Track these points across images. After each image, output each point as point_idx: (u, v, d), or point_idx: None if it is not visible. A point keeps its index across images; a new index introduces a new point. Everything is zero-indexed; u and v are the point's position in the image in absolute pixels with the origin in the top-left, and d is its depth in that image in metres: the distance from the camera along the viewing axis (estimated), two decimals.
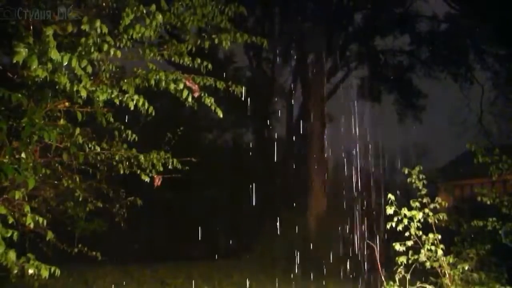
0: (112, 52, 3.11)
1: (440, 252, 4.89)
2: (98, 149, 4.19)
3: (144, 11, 3.35)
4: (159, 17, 3.38)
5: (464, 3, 15.83)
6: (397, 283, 4.94)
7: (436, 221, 4.99)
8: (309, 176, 15.20)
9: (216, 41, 3.96)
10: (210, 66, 3.99)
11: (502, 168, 5.79)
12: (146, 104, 3.45)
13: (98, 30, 2.98)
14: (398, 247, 4.89)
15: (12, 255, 2.51)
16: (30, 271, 2.59)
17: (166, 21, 3.67)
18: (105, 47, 3.05)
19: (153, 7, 3.38)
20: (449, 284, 4.97)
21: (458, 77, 16.86)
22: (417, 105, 17.78)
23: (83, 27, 2.98)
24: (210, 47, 4.08)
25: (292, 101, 18.98)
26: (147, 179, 4.39)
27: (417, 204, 4.98)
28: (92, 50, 3.02)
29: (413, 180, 5.19)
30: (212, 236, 15.77)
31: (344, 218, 13.37)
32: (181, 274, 10.51)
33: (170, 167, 4.56)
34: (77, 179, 4.61)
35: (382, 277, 5.18)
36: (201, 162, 5.63)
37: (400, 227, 4.91)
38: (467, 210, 8.27)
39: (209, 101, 3.78)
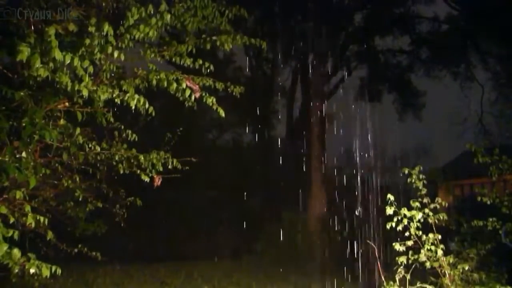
0: (116, 55, 3.12)
1: (440, 252, 4.89)
2: (98, 149, 4.19)
3: (152, 11, 3.35)
4: (168, 17, 3.38)
5: (464, 4, 15.84)
6: (397, 283, 4.94)
7: (436, 221, 4.99)
8: (309, 176, 15.21)
9: (218, 43, 3.96)
10: (212, 67, 3.99)
11: (502, 168, 5.79)
12: (147, 104, 3.45)
13: (104, 32, 2.99)
14: (398, 247, 4.89)
15: (16, 253, 2.51)
16: (32, 270, 2.59)
17: (168, 22, 3.67)
18: (109, 49, 3.06)
19: (162, 7, 3.39)
20: (449, 284, 4.97)
21: (458, 77, 16.89)
22: (416, 105, 17.80)
23: (90, 29, 2.99)
24: (210, 48, 4.08)
25: (292, 101, 18.99)
26: (147, 179, 4.39)
27: (417, 204, 4.98)
28: (96, 51, 3.03)
29: (413, 180, 5.19)
30: (212, 236, 15.77)
31: (344, 218, 13.39)
32: (181, 274, 10.51)
33: (170, 167, 4.56)
34: (77, 179, 4.61)
35: (382, 277, 5.18)
36: (201, 162, 5.63)
37: (400, 227, 4.91)
38: (467, 210, 8.28)
39: (210, 101, 3.77)
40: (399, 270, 4.91)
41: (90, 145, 4.08)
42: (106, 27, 2.98)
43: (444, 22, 16.64)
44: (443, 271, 5.01)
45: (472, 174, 12.07)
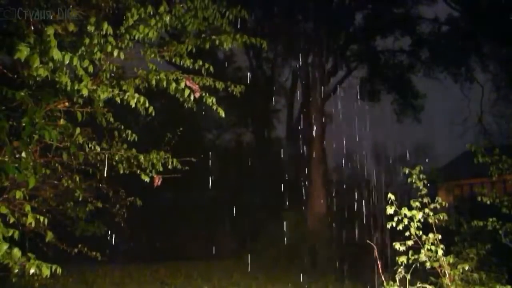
0: (115, 53, 3.12)
1: (440, 252, 4.88)
2: (98, 149, 4.19)
3: (151, 12, 3.35)
4: (167, 18, 3.38)
5: (465, 5, 15.84)
6: (397, 283, 4.93)
7: (436, 221, 4.98)
8: (309, 176, 15.21)
9: (217, 42, 3.95)
10: (211, 68, 3.99)
11: (502, 168, 5.78)
12: (147, 104, 3.45)
13: (103, 32, 2.99)
14: (398, 247, 4.89)
15: (16, 252, 2.51)
16: (32, 270, 2.59)
17: (167, 23, 3.67)
18: (109, 48, 3.06)
19: (162, 8, 3.39)
20: (449, 284, 4.97)
21: (458, 78, 16.89)
22: (416, 105, 17.80)
23: (88, 28, 2.99)
24: (210, 47, 4.08)
25: (292, 101, 19.00)
26: (147, 179, 4.38)
27: (417, 204, 4.98)
28: (95, 50, 3.03)
29: (413, 180, 5.18)
30: (212, 236, 15.78)
31: (344, 218, 13.39)
32: (181, 274, 10.53)
33: (170, 167, 4.55)
34: (77, 179, 4.61)
35: (382, 277, 5.17)
36: (201, 162, 5.63)
37: (400, 227, 4.90)
38: (467, 210, 8.27)
39: (210, 101, 3.77)
40: (399, 270, 4.91)
41: (90, 145, 4.08)
42: (105, 26, 2.98)
43: (444, 23, 16.64)
44: (443, 271, 5.00)
45: (472, 174, 12.07)
